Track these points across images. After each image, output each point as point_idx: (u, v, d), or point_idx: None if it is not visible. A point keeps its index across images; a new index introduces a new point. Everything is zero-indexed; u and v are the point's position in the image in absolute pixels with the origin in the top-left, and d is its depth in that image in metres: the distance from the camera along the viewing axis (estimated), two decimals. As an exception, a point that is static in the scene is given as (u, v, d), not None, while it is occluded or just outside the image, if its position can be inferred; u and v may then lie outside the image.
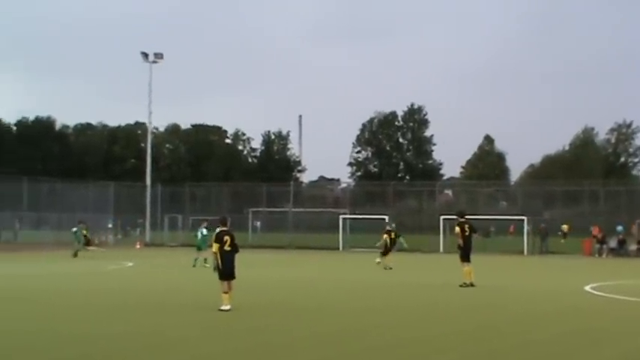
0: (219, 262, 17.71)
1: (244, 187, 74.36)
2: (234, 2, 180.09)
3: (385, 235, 35.31)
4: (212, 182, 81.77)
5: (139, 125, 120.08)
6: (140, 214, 68.45)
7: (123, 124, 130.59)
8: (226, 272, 17.72)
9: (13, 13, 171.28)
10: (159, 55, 67.99)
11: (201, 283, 24.89)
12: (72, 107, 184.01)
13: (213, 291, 18.58)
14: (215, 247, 17.80)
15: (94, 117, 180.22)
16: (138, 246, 59.31)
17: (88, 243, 47.94)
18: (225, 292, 17.67)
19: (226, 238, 17.77)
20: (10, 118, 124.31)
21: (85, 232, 47.96)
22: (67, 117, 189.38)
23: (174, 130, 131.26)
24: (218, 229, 18.17)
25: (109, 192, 67.82)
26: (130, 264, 37.33)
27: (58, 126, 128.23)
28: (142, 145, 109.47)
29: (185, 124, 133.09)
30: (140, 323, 15.99)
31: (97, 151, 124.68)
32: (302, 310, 18.71)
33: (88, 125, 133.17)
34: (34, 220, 67.47)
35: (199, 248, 35.10)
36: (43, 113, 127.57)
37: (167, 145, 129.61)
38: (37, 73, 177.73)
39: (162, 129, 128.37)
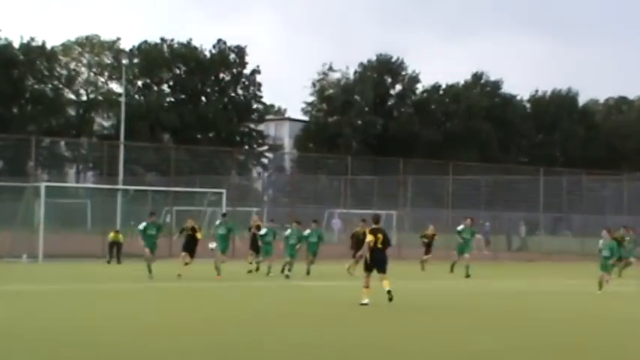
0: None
1: None
2: None
3: None
4: None
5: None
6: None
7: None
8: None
9: None
10: None
11: None
12: (597, 78, 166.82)
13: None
14: None
15: (629, 89, 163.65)
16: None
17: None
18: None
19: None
20: (523, 94, 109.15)
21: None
22: (593, 90, 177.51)
23: None
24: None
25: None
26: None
27: (581, 102, 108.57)
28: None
29: None
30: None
31: (632, 133, 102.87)
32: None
33: (622, 99, 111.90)
34: (550, 221, 60.18)
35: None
36: (563, 86, 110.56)
37: None
38: (556, 43, 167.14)
39: None
